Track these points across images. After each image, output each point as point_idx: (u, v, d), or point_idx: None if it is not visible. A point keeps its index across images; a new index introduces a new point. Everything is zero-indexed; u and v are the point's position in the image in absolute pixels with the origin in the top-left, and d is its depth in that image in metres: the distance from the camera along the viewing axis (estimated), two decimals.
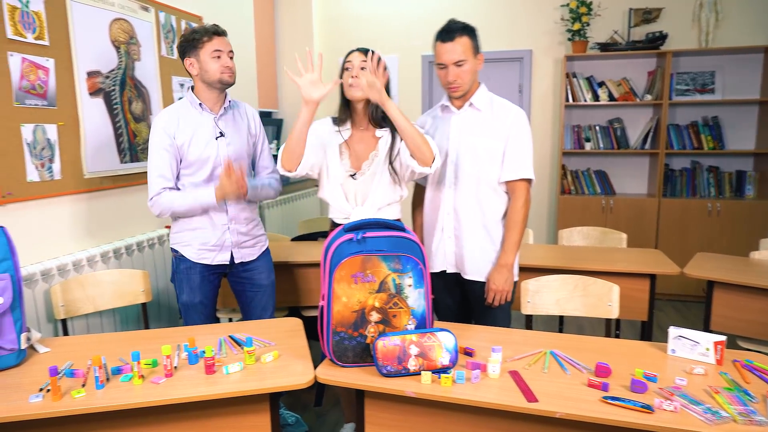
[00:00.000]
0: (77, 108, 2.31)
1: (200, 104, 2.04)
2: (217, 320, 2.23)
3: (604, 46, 4.22)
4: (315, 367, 1.44)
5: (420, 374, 1.36)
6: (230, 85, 2.04)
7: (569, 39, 4.33)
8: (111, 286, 2.23)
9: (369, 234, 1.41)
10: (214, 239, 2.06)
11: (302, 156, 1.76)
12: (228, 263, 2.12)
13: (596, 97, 4.35)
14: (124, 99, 2.59)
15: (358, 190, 1.86)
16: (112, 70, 2.51)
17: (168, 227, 2.90)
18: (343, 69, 1.83)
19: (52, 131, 2.19)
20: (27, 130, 2.08)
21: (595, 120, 4.53)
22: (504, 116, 1.88)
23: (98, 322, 2.36)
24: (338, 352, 1.42)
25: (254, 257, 2.17)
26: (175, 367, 1.42)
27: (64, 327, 2.09)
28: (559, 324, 3.15)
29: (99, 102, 2.43)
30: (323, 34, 4.97)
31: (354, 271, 1.38)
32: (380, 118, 1.85)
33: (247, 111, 2.19)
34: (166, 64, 2.88)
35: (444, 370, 1.38)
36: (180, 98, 3.04)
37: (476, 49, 1.86)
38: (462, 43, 1.81)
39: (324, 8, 4.94)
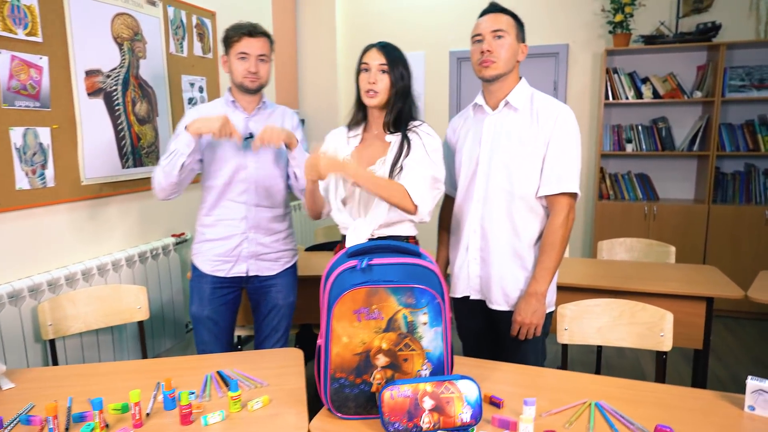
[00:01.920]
0: (74, 109, 2.16)
1: (233, 101, 1.91)
2: (230, 341, 2.04)
3: (649, 39, 3.87)
4: (312, 412, 1.22)
5: None
6: (252, 91, 1.88)
7: (610, 32, 3.99)
8: (105, 303, 2.05)
9: (376, 261, 1.18)
10: (229, 249, 1.91)
11: (323, 204, 1.73)
12: (245, 275, 1.95)
13: (639, 95, 4.00)
14: (128, 100, 2.42)
15: (361, 198, 1.64)
16: (114, 69, 2.34)
17: (174, 236, 2.73)
18: (360, 69, 1.63)
19: (45, 135, 2.04)
20: (16, 134, 1.92)
21: (637, 119, 4.18)
22: (546, 116, 1.60)
23: (94, 341, 2.20)
24: (337, 402, 1.19)
25: (273, 273, 1.99)
26: (148, 414, 1.22)
27: (52, 348, 1.93)
28: (597, 349, 2.85)
29: (99, 103, 2.27)
30: (346, 31, 4.75)
31: (357, 306, 1.14)
32: (392, 123, 1.63)
33: (284, 113, 2.03)
34: (175, 63, 2.71)
35: (465, 428, 1.13)
36: (191, 98, 2.90)
37: (520, 35, 1.64)
38: (505, 18, 1.60)
39: (347, 3, 4.73)
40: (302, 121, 4.66)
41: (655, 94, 3.98)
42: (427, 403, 1.12)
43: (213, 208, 1.91)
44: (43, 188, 2.03)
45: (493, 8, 1.62)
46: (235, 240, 1.91)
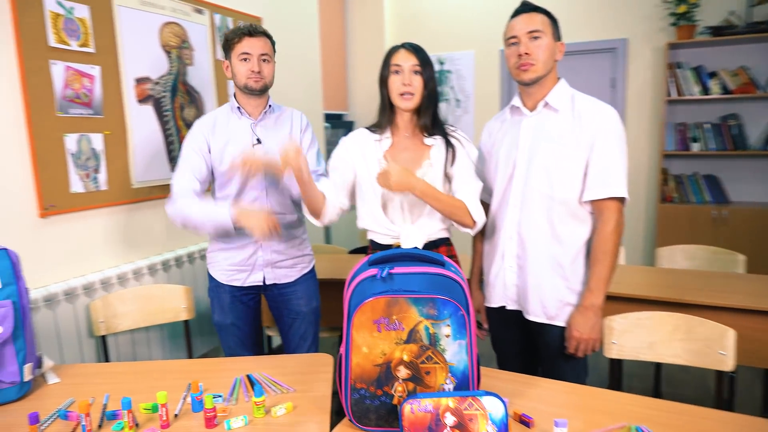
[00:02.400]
0: (125, 116, 2.25)
1: (238, 108, 1.89)
2: (257, 342, 2.06)
3: (717, 30, 3.59)
4: (335, 421, 1.20)
5: None
6: (257, 91, 1.84)
7: (672, 24, 3.75)
8: (151, 302, 2.13)
9: (397, 269, 1.14)
10: (244, 258, 1.89)
11: (322, 207, 1.62)
12: (262, 284, 1.94)
13: (706, 91, 3.73)
14: (176, 105, 2.51)
15: (405, 205, 1.60)
16: (163, 76, 2.43)
17: None
18: (390, 71, 1.59)
19: (98, 141, 2.14)
20: (71, 140, 2.03)
21: (704, 117, 3.90)
22: (589, 118, 1.51)
23: (144, 338, 2.29)
24: (358, 413, 1.16)
25: (291, 279, 1.97)
26: (176, 415, 1.24)
27: (104, 344, 2.02)
28: (656, 367, 2.67)
29: (148, 109, 2.36)
30: (395, 31, 4.73)
31: (377, 315, 1.11)
32: (430, 125, 1.59)
33: (292, 115, 1.98)
34: (221, 69, 2.78)
35: None
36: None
37: (556, 33, 1.55)
38: (540, 17, 1.52)
39: (396, 4, 4.71)
40: (351, 123, 4.69)
41: (725, 90, 3.69)
42: (449, 420, 1.07)
43: None
44: (96, 191, 2.13)
45: (527, 7, 1.54)
46: (249, 249, 1.88)
